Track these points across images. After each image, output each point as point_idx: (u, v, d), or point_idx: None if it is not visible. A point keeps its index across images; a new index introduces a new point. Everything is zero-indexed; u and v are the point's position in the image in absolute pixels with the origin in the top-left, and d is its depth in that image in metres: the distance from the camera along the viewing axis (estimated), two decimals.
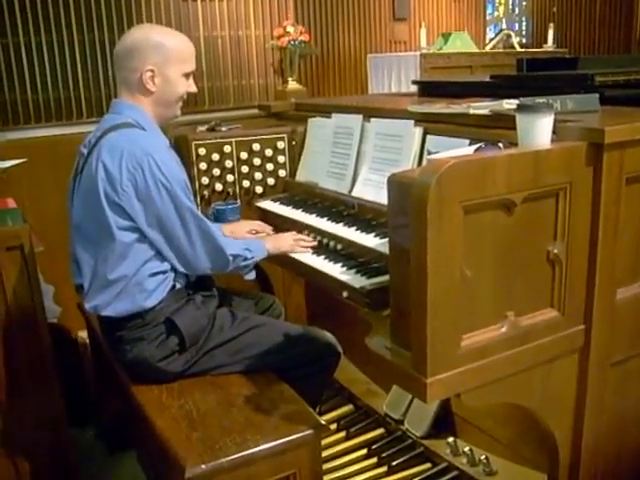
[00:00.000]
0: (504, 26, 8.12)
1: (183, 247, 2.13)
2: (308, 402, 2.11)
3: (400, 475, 2.55)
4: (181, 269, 2.17)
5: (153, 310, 2.14)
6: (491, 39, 7.69)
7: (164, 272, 2.15)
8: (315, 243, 2.49)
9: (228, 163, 2.95)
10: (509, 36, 7.41)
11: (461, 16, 8.02)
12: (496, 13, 8.34)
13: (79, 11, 4.85)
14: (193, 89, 2.29)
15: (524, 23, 8.47)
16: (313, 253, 2.42)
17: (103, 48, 4.97)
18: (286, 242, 2.47)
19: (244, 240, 2.45)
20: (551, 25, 7.50)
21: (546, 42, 7.44)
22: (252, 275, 2.38)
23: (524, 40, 8.21)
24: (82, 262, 2.15)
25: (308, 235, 2.54)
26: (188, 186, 2.18)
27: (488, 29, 8.26)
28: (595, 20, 8.76)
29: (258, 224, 2.74)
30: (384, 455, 2.65)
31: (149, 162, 2.03)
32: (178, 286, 2.19)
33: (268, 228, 2.71)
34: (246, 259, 2.28)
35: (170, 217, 2.08)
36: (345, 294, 2.10)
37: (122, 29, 5.00)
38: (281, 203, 2.91)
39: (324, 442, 2.61)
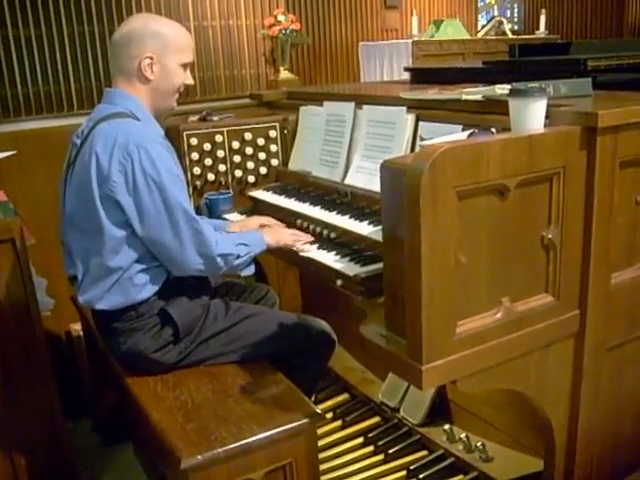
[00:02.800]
0: (496, 13, 8.10)
1: (170, 244, 2.06)
2: (304, 391, 2.10)
3: (396, 463, 2.56)
4: (171, 270, 2.13)
5: (147, 302, 2.12)
6: (483, 26, 7.68)
7: (157, 267, 2.13)
8: (311, 239, 2.43)
9: (220, 153, 2.93)
10: (501, 23, 7.39)
11: (453, 3, 8.00)
12: (488, 0, 8.32)
13: (69, 3, 4.81)
14: (190, 81, 2.27)
15: (516, 10, 8.45)
16: (306, 242, 2.40)
17: (93, 40, 4.92)
18: (286, 235, 2.40)
19: (239, 234, 2.37)
20: (543, 11, 7.49)
21: (538, 28, 7.44)
22: (249, 271, 2.32)
23: (516, 27, 8.19)
24: (75, 254, 2.14)
25: (302, 224, 2.53)
26: (182, 180, 2.12)
27: (480, 16, 8.24)
28: (587, 6, 8.75)
29: (267, 219, 2.64)
30: (380, 443, 2.65)
31: (140, 154, 1.99)
32: (172, 277, 2.17)
33: (277, 223, 2.61)
34: (239, 257, 2.20)
35: (159, 212, 2.02)
36: (339, 282, 2.10)
37: (112, 21, 4.96)
38: (274, 192, 2.90)
39: (320, 431, 2.62)
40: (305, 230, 2.50)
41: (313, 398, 2.56)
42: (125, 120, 2.09)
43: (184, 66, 2.22)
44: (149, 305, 2.14)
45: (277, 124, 3.04)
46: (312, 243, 2.38)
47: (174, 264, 2.12)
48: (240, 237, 2.29)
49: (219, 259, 2.14)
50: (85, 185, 2.04)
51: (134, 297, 2.11)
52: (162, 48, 2.15)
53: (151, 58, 2.14)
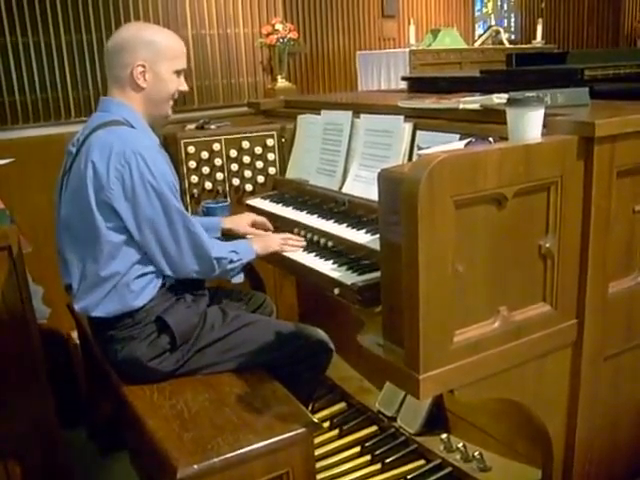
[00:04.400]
0: (493, 22, 8.12)
1: (169, 248, 2.10)
2: (300, 400, 2.10)
3: (394, 472, 2.55)
4: (167, 272, 2.15)
5: (143, 309, 2.12)
6: (480, 35, 7.71)
7: (153, 272, 2.14)
8: (304, 243, 2.45)
9: (217, 161, 2.93)
10: (498, 32, 7.42)
11: (450, 12, 8.02)
12: (485, 9, 8.35)
13: (66, 11, 4.81)
14: (184, 87, 2.28)
15: (513, 19, 8.48)
16: (304, 250, 2.40)
17: (91, 48, 4.93)
18: (274, 242, 2.43)
19: (232, 242, 2.39)
20: (540, 21, 7.52)
21: (535, 38, 7.47)
22: (239, 278, 2.34)
23: (513, 36, 8.23)
24: (70, 262, 2.14)
25: (299, 233, 2.53)
26: (176, 187, 2.15)
27: (477, 25, 8.27)
28: (583, 15, 8.79)
29: (259, 217, 2.68)
30: (377, 452, 2.64)
31: (137, 160, 2.01)
32: (168, 285, 2.18)
33: (268, 223, 2.66)
34: (232, 262, 2.24)
35: (157, 217, 2.06)
36: (336, 291, 2.09)
37: (110, 29, 4.97)
38: (271, 201, 2.90)
39: (317, 440, 2.60)
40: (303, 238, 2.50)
41: (310, 407, 2.55)
42: (121, 128, 2.10)
43: (177, 73, 2.23)
44: (145, 312, 2.13)
45: (275, 133, 3.04)
46: (309, 252, 2.37)
47: (171, 266, 2.14)
48: (231, 245, 2.32)
49: (214, 262, 2.18)
50: (81, 193, 2.04)
51: (131, 304, 2.10)
52: (154, 56, 2.16)
53: (143, 66, 2.15)
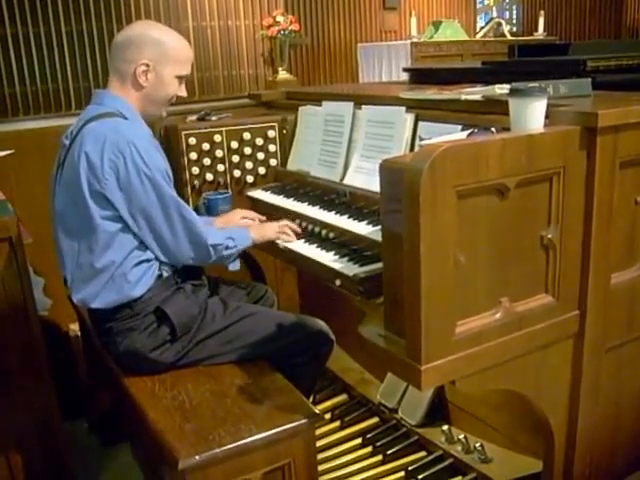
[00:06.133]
0: (494, 14, 8.10)
1: (165, 236, 2.11)
2: (302, 391, 2.10)
3: (395, 464, 2.55)
4: (163, 258, 2.16)
5: (142, 299, 2.12)
6: (482, 27, 7.69)
7: (148, 260, 2.14)
8: (299, 230, 2.48)
9: (219, 152, 2.92)
10: (499, 24, 7.41)
11: (451, 4, 8.01)
12: (486, 1, 8.32)
13: (66, 2, 4.80)
14: (183, 93, 2.28)
15: (514, 11, 8.45)
16: (305, 241, 2.40)
17: (91, 39, 4.92)
18: (271, 230, 2.46)
19: (228, 229, 2.42)
20: (541, 13, 7.50)
21: (537, 30, 7.45)
22: (236, 266, 2.37)
23: (514, 28, 8.20)
24: (64, 253, 2.15)
25: (300, 224, 2.53)
26: (170, 175, 2.16)
27: (479, 17, 8.25)
28: (586, 7, 8.76)
29: (249, 213, 2.70)
30: (379, 444, 2.64)
31: (131, 150, 2.02)
32: (165, 274, 2.18)
33: (259, 216, 2.68)
34: (228, 248, 2.25)
35: (152, 205, 2.07)
36: (338, 282, 2.09)
37: (111, 20, 4.96)
38: (272, 192, 2.89)
39: (318, 432, 2.61)
40: (303, 230, 2.50)
41: (311, 399, 2.55)
42: (113, 119, 2.11)
43: (179, 78, 2.23)
44: (144, 303, 2.14)
45: (276, 124, 3.03)
46: (310, 243, 2.38)
47: (168, 254, 2.15)
48: (227, 232, 2.33)
49: (210, 249, 2.20)
50: (75, 184, 2.05)
51: (128, 294, 2.11)
52: (160, 57, 2.16)
53: (147, 65, 2.15)
